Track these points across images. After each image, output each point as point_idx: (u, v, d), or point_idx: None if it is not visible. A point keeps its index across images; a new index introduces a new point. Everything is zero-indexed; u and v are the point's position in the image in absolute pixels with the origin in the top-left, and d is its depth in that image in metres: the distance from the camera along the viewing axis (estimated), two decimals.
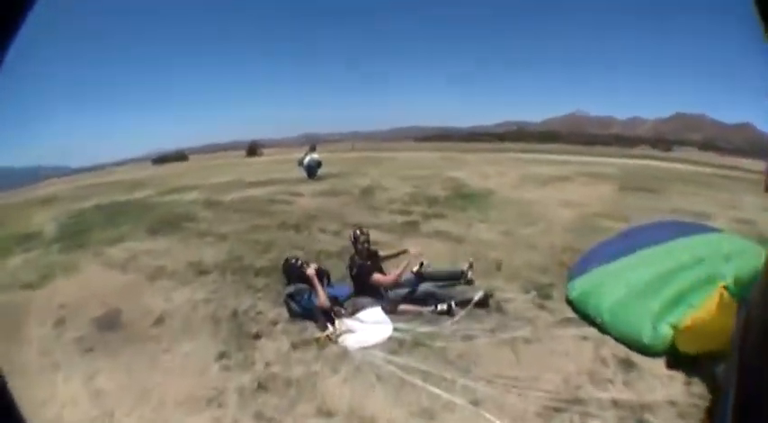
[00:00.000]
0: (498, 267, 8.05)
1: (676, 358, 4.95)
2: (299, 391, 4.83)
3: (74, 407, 4.85)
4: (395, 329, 5.94)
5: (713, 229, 6.95)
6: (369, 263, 6.75)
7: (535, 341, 5.61)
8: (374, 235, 9.92)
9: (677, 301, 5.17)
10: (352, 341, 5.74)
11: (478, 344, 5.57)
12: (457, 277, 7.28)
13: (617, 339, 5.48)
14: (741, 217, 11.67)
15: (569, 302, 6.38)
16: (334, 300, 6.44)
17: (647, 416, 4.19)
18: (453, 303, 6.32)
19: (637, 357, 5.16)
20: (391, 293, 6.56)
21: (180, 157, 48.36)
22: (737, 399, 0.91)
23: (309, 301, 6.30)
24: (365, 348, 5.59)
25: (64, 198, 21.78)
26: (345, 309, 6.40)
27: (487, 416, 4.26)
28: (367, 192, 16.14)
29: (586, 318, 5.97)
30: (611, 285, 5.85)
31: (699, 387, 4.55)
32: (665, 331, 5.04)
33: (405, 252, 7.20)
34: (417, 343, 5.64)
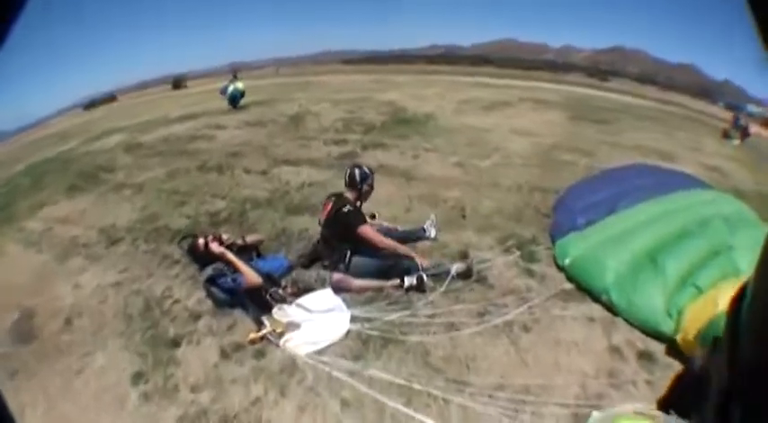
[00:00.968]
0: (462, 214, 6.49)
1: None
2: None
3: None
4: (353, 319, 4.29)
5: (704, 185, 6.04)
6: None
7: (535, 327, 4.14)
8: (307, 173, 8.53)
9: (684, 278, 4.10)
10: (299, 342, 4.06)
11: (466, 336, 4.03)
12: (417, 238, 5.72)
13: (628, 321, 4.17)
14: (708, 163, 10.42)
15: (560, 268, 4.99)
16: (268, 278, 4.68)
17: None
18: (424, 275, 4.66)
19: (654, 345, 3.89)
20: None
21: (109, 98, 44.59)
22: (727, 394, 0.69)
23: (236, 283, 4.53)
24: (319, 353, 3.94)
25: None
26: (284, 289, 4.67)
27: None
28: (295, 119, 14.01)
29: (586, 290, 4.60)
30: (611, 252, 4.60)
31: None
32: (676, 317, 3.85)
33: (373, 217, 5.87)
34: (387, 339, 4.02)
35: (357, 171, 4.96)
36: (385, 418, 3.25)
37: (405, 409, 3.26)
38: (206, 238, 4.83)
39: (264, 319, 4.28)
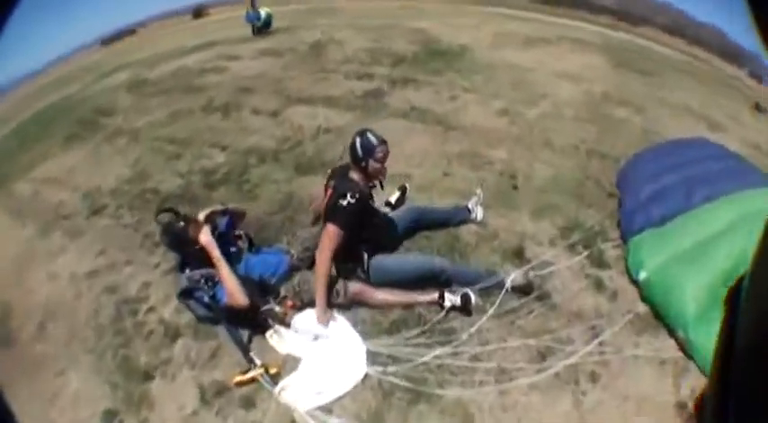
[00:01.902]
0: (514, 185, 5.10)
1: None
2: None
3: None
4: (372, 358, 3.13)
5: None
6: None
7: (603, 374, 3.07)
8: (324, 115, 7.42)
9: None
10: (298, 391, 2.96)
11: (521, 388, 2.94)
12: (460, 222, 4.39)
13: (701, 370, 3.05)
14: (749, 139, 8.52)
15: (631, 279, 3.82)
16: (261, 285, 3.50)
17: None
18: (472, 295, 3.35)
19: None
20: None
21: (129, 32, 42.63)
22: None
23: (214, 300, 3.37)
24: (324, 410, 2.84)
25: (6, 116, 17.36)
26: (282, 302, 3.45)
27: None
28: (316, 48, 12.19)
29: (661, 317, 3.47)
30: (691, 272, 3.39)
31: None
32: None
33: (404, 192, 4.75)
34: (417, 393, 2.88)
35: (358, 140, 3.54)
36: None
37: None
38: (189, 219, 3.67)
39: (254, 356, 3.19)
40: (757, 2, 0.51)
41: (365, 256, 3.53)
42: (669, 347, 3.24)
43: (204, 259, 3.40)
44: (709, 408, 0.66)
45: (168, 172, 6.40)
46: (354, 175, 3.58)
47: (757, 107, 12.92)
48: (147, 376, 3.41)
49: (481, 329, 3.27)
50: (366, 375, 3.01)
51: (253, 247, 3.92)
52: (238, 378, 3.07)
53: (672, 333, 3.30)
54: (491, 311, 3.35)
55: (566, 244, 4.16)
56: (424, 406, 2.80)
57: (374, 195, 3.76)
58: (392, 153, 5.71)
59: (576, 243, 4.17)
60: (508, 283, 3.44)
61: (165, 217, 3.78)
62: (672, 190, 4.22)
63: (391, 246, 3.79)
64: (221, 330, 3.44)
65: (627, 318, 3.43)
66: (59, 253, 5.36)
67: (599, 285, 3.75)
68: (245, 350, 3.21)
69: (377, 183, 3.74)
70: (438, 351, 3.07)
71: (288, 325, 3.31)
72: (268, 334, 3.31)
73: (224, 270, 3.31)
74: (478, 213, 4.38)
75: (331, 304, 3.41)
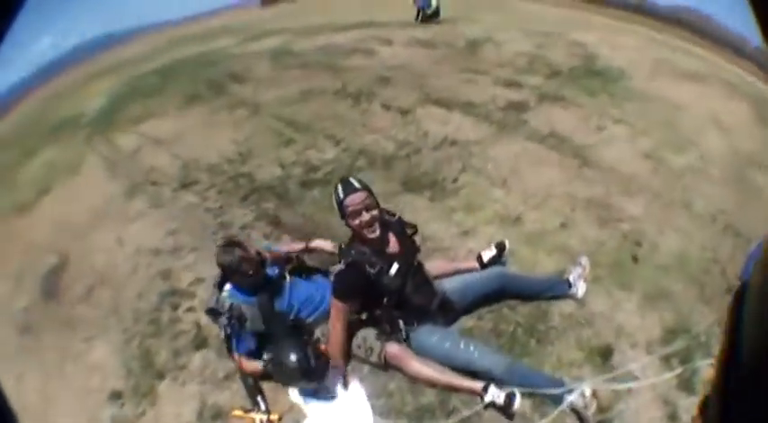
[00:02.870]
0: (635, 257, 4.44)
1: None
2: None
3: None
4: None
5: None
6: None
7: None
8: (458, 123, 7.19)
9: None
10: None
11: None
12: (554, 296, 3.86)
13: None
14: None
15: None
16: (296, 323, 3.44)
17: None
18: (518, 395, 2.93)
19: None
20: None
21: None
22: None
23: (233, 343, 3.34)
24: None
25: (130, 62, 18.27)
26: (312, 345, 3.19)
27: None
28: (473, 46, 11.85)
29: None
30: None
31: None
32: None
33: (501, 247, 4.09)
34: None
35: (335, 191, 3.21)
36: None
37: None
38: (257, 256, 3.48)
39: (260, 400, 3.15)
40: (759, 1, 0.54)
41: (401, 324, 3.26)
42: None
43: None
44: (712, 414, 0.68)
45: (272, 158, 6.55)
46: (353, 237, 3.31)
47: None
48: (160, 375, 3.63)
49: None
50: None
51: (302, 271, 3.73)
52: (237, 413, 3.08)
53: None
54: None
55: (663, 353, 3.50)
56: None
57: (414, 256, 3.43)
58: (512, 183, 5.52)
59: (673, 355, 3.49)
60: (566, 403, 2.91)
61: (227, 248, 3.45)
62: None
63: (445, 317, 3.43)
64: None
65: None
66: (135, 219, 5.76)
67: (673, 418, 3.13)
68: (252, 392, 3.17)
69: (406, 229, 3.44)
70: None
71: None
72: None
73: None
74: (580, 289, 3.83)
75: (363, 361, 3.27)
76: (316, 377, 2.97)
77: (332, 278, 3.23)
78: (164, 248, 5.02)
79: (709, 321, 3.74)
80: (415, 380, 3.17)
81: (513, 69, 9.61)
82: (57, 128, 11.01)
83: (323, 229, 4.76)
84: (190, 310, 4.13)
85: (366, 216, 3.06)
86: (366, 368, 3.30)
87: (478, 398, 2.98)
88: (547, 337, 3.55)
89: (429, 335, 3.23)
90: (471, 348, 3.14)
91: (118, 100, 11.70)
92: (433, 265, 3.69)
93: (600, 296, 3.92)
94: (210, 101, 9.43)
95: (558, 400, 2.92)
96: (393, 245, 3.30)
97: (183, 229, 5.26)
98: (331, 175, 5.91)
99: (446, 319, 3.45)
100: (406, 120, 7.35)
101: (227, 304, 3.29)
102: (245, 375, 3.27)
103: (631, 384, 3.16)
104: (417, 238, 3.55)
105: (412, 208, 4.98)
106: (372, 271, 3.10)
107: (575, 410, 2.91)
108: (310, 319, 3.45)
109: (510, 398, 2.89)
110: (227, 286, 3.40)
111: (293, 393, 3.14)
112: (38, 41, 29.55)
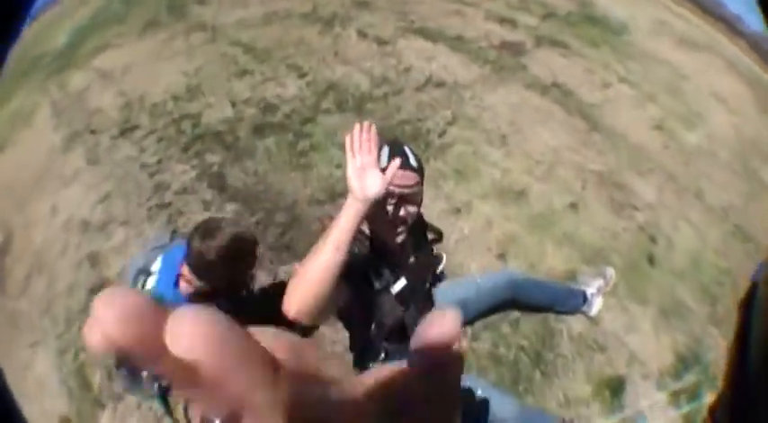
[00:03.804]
0: (651, 258, 3.88)
1: None
2: None
3: None
4: None
5: None
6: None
7: None
8: (444, 60, 6.28)
9: None
10: None
11: None
12: (568, 309, 3.24)
13: None
14: None
15: None
16: None
17: None
18: None
19: None
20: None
21: None
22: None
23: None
24: None
25: None
26: None
27: None
28: None
29: None
30: None
31: None
32: None
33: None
34: None
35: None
36: None
37: None
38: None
39: None
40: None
41: (382, 355, 2.35)
42: None
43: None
44: (723, 415, 0.67)
45: (223, 94, 5.78)
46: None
47: None
48: (99, 403, 3.03)
49: None
50: None
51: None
52: None
53: None
54: None
55: (673, 388, 3.12)
56: None
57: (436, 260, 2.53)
58: (513, 142, 4.84)
59: (683, 391, 3.10)
60: None
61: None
62: None
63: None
64: None
65: None
66: (70, 181, 5.02)
67: None
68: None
69: (431, 236, 2.46)
70: None
71: None
72: None
73: None
74: (595, 306, 3.26)
75: None
76: None
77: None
78: (93, 221, 4.29)
79: (720, 349, 3.40)
80: None
81: (506, 4, 8.66)
82: (24, 73, 10.15)
83: (274, 194, 4.13)
84: None
85: (406, 210, 2.04)
86: None
87: None
88: (552, 371, 3.06)
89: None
90: (479, 391, 2.38)
91: (79, 34, 10.57)
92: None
93: (613, 312, 3.43)
94: (169, 26, 8.51)
95: None
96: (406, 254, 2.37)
97: (115, 193, 4.52)
98: (290, 118, 5.19)
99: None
100: (384, 50, 6.52)
101: None
102: None
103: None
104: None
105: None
106: (378, 285, 2.16)
107: None
108: None
109: None
110: (154, 276, 2.42)
111: None
112: None
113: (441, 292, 2.69)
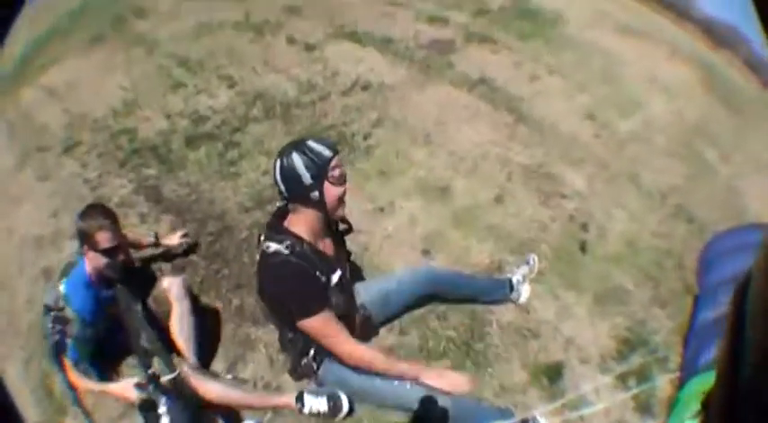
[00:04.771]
0: (583, 246, 4.17)
1: None
2: None
3: None
4: None
5: None
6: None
7: None
8: (372, 62, 6.49)
9: None
10: None
11: None
12: (494, 300, 3.49)
13: None
14: None
15: None
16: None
17: None
18: (341, 394, 2.72)
19: None
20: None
21: None
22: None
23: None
24: None
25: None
26: None
27: None
28: None
29: None
30: None
31: None
32: None
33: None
34: None
35: (297, 158, 2.29)
36: None
37: None
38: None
39: None
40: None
41: (312, 353, 2.64)
42: None
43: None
44: (715, 409, 0.68)
45: (159, 107, 5.92)
46: (299, 215, 2.46)
47: None
48: (62, 410, 3.12)
49: None
50: None
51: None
52: None
53: None
54: None
55: (619, 372, 3.32)
56: None
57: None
58: (438, 140, 5.08)
59: (630, 373, 3.31)
60: None
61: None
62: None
63: (363, 338, 2.80)
64: None
65: None
66: (24, 198, 5.07)
67: None
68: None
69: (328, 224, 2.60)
70: None
71: None
72: None
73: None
74: (523, 293, 3.50)
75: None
76: None
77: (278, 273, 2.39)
78: (45, 236, 4.47)
79: (668, 330, 3.60)
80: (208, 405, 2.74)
81: (438, 3, 8.81)
82: None
83: (206, 204, 4.39)
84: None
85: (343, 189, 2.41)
86: None
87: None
88: (484, 360, 3.25)
89: (343, 369, 2.63)
90: (408, 384, 2.60)
91: (32, 49, 10.63)
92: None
93: (546, 300, 3.65)
94: (112, 40, 8.41)
95: None
96: (328, 244, 2.65)
97: (63, 209, 4.66)
98: (220, 128, 5.38)
99: (364, 340, 2.82)
100: (312, 56, 6.69)
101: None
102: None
103: (585, 411, 3.04)
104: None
105: None
106: (322, 279, 2.44)
107: None
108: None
109: (334, 400, 2.66)
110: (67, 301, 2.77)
111: None
112: None
113: (363, 286, 3.03)
